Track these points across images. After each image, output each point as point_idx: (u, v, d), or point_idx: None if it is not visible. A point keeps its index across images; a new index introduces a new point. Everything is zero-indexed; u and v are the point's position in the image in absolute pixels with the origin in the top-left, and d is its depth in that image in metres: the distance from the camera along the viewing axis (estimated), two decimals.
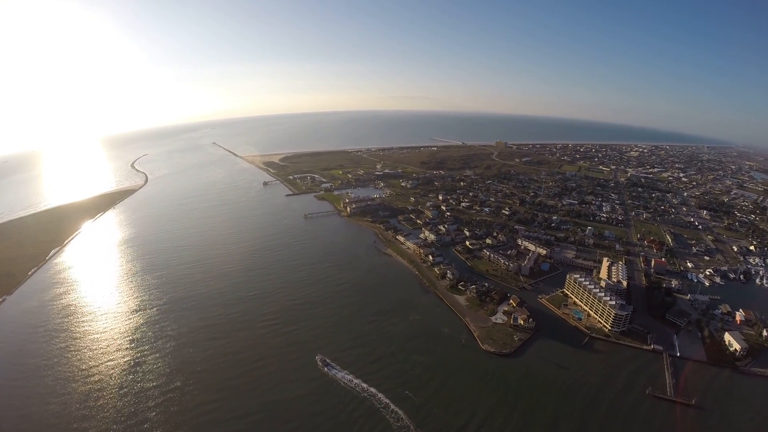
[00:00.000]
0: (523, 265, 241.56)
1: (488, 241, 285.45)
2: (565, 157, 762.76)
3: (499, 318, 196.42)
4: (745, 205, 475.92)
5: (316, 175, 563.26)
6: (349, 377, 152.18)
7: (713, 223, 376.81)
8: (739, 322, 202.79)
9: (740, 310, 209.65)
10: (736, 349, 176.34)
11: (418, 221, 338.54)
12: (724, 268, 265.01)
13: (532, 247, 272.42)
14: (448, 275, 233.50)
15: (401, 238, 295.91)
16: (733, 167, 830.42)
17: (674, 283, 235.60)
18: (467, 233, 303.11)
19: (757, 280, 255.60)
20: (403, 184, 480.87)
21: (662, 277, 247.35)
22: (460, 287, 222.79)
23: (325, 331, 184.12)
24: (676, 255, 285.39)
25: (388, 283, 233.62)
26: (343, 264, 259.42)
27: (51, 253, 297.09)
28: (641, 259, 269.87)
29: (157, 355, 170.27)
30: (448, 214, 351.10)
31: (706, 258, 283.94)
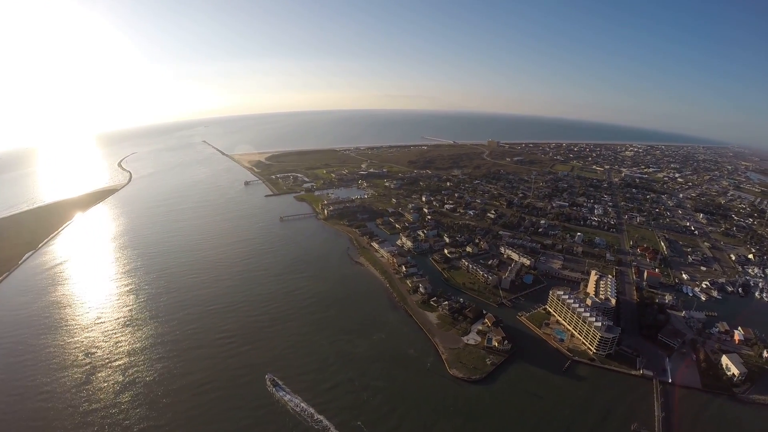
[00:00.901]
0: (503, 277, 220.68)
1: (469, 249, 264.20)
2: (558, 157, 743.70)
3: (472, 338, 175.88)
4: (743, 208, 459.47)
5: (299, 175, 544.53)
6: (301, 404, 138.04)
7: (710, 228, 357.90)
8: (737, 342, 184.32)
9: (739, 328, 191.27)
10: (734, 373, 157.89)
11: (397, 225, 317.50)
12: (722, 280, 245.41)
13: (515, 256, 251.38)
14: (420, 289, 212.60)
15: (376, 245, 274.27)
16: (729, 167, 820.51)
17: (668, 298, 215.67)
18: (447, 240, 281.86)
19: (757, 294, 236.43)
20: (387, 184, 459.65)
21: (655, 290, 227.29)
22: (432, 303, 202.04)
23: (283, 352, 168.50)
24: (671, 265, 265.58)
25: (357, 296, 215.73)
26: (312, 274, 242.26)
27: (24, 257, 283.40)
28: (633, 270, 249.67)
29: (107, 373, 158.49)
30: (429, 217, 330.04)
31: (703, 268, 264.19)
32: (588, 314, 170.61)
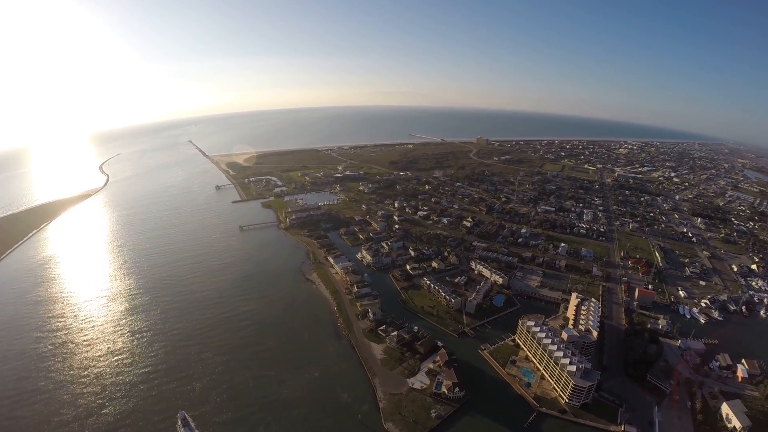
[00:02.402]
0: (468, 300, 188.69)
1: (434, 264, 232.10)
2: (548, 155, 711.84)
3: (419, 381, 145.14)
4: (742, 210, 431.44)
5: (273, 178, 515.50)
6: None
7: (709, 234, 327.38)
8: (740, 379, 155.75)
9: (743, 361, 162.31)
10: (735, 426, 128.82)
11: (361, 236, 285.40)
12: (723, 297, 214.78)
13: (487, 272, 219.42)
14: (369, 315, 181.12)
15: (331, 260, 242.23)
16: (726, 165, 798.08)
17: (662, 322, 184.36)
18: (412, 253, 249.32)
19: (762, 312, 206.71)
20: (361, 187, 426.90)
21: (648, 312, 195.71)
22: (380, 332, 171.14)
23: (205, 389, 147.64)
24: (666, 279, 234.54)
25: (299, 322, 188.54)
26: (258, 295, 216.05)
27: None
28: (623, 286, 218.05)
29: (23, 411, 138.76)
30: (397, 226, 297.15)
31: (702, 283, 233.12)
32: (561, 353, 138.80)
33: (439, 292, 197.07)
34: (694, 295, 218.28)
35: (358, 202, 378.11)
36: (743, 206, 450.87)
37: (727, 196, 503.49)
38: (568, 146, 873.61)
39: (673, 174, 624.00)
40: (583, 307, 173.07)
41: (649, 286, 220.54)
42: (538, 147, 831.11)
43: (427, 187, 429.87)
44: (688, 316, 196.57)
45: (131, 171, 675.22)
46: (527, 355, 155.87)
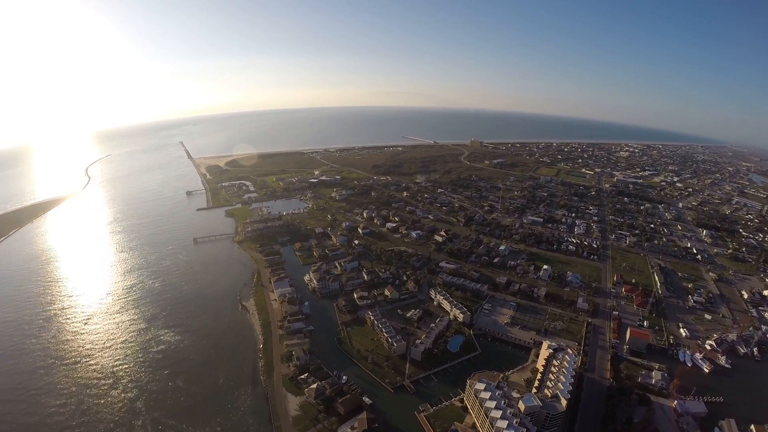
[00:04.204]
0: (416, 343, 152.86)
1: (387, 292, 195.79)
2: (545, 158, 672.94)
3: None
4: (750, 219, 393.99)
5: (247, 183, 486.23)
6: None
7: (715, 250, 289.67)
8: None
9: (752, 428, 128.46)
10: None
11: (315, 252, 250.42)
12: (732, 336, 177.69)
13: (447, 305, 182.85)
14: (294, 358, 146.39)
15: (273, 283, 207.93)
16: (731, 169, 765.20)
17: (656, 375, 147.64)
18: (366, 276, 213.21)
19: None
20: (333, 194, 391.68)
21: (640, 361, 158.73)
22: (300, 380, 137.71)
23: None
24: (666, 312, 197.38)
25: (220, 360, 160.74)
26: (185, 324, 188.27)
27: None
28: (612, 324, 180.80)
29: None
30: (357, 242, 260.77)
31: (707, 317, 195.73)
32: None
33: (382, 331, 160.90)
34: (697, 333, 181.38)
35: (325, 211, 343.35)
36: (751, 214, 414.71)
37: (733, 202, 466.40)
38: (566, 149, 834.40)
39: (676, 178, 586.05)
40: (555, 361, 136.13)
41: (645, 323, 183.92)
42: (535, 150, 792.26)
43: (405, 194, 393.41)
44: (690, 364, 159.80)
45: (113, 174, 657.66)
46: (474, 423, 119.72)
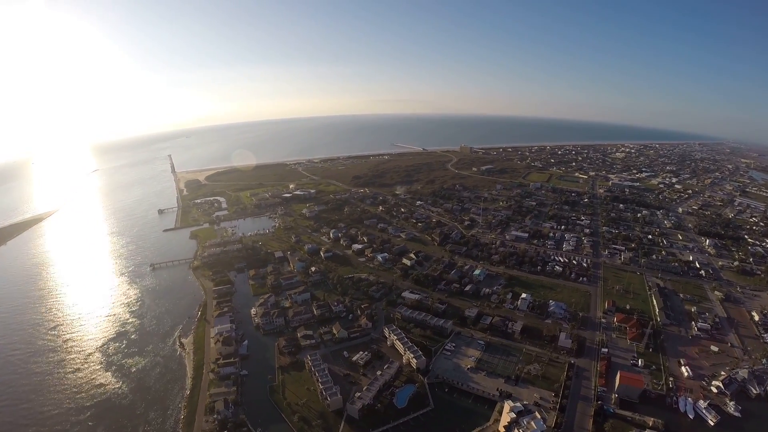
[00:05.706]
0: (353, 398, 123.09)
1: (335, 331, 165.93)
2: (536, 163, 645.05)
3: None
4: (755, 222, 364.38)
5: (221, 199, 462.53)
6: None
7: (720, 263, 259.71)
8: None
9: None
10: None
11: (268, 281, 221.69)
12: (743, 373, 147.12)
13: (401, 347, 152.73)
14: (216, 413, 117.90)
15: (214, 318, 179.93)
16: (730, 167, 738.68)
17: None
18: (315, 310, 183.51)
19: None
20: (304, 211, 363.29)
21: (630, 415, 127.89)
22: None
23: None
24: (665, 345, 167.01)
25: (144, 409, 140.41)
26: (119, 363, 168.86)
27: None
28: (600, 367, 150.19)
29: None
30: (314, 268, 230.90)
31: (714, 348, 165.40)
32: None
33: (318, 380, 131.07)
34: (701, 371, 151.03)
35: (291, 231, 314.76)
36: (755, 217, 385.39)
37: (736, 204, 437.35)
38: (559, 152, 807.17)
39: (674, 180, 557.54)
40: (517, 429, 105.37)
41: (640, 362, 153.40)
42: (527, 154, 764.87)
43: (380, 208, 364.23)
44: (692, 416, 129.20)
45: (95, 191, 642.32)
46: None
